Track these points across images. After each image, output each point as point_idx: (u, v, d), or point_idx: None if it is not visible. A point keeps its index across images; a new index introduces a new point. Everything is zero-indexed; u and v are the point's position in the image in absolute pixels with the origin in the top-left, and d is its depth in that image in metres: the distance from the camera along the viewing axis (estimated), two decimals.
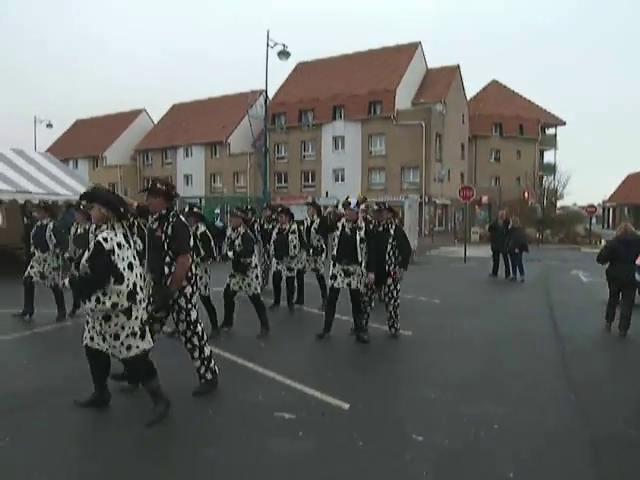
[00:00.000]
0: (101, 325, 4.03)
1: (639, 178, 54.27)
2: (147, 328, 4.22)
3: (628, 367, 6.23)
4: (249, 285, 7.12)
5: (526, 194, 40.92)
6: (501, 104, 50.47)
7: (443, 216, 43.49)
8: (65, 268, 7.90)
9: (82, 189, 12.40)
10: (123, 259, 3.97)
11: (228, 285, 7.23)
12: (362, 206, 7.15)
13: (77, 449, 3.87)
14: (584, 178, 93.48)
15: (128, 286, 3.96)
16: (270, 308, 8.98)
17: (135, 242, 4.57)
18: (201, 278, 6.92)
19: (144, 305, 4.22)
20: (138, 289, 4.08)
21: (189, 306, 4.70)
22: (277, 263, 9.10)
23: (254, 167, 43.14)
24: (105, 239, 3.93)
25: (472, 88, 51.62)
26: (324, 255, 9.41)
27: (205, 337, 4.86)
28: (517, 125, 49.87)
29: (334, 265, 7.01)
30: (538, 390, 5.20)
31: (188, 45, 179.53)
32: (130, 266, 4.02)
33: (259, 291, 7.21)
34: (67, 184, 14.40)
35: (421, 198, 35.24)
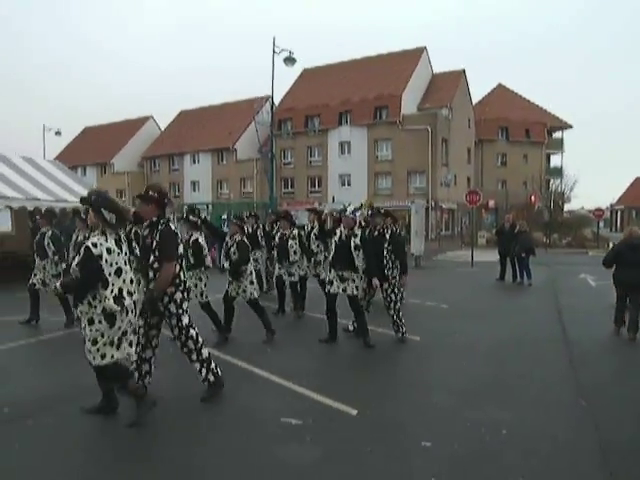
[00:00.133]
0: (85, 329, 4.09)
1: None
2: (126, 338, 4.22)
3: (637, 371, 6.20)
4: (244, 291, 7.19)
5: (533, 198, 40.82)
6: (507, 108, 50.44)
7: (450, 220, 43.40)
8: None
9: None
10: (111, 264, 4.02)
11: (227, 291, 7.30)
12: (358, 213, 7.14)
13: (83, 456, 3.88)
14: (591, 181, 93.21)
15: (112, 291, 4.01)
16: (274, 314, 9.04)
17: (134, 248, 4.66)
18: (196, 286, 7.00)
19: (132, 315, 4.23)
20: (125, 294, 4.10)
21: (180, 311, 4.77)
22: (279, 268, 9.23)
23: (261, 173, 43.25)
24: (94, 244, 3.99)
25: (478, 92, 51.87)
26: (324, 261, 9.44)
27: (200, 340, 4.89)
28: (523, 129, 49.78)
29: (330, 271, 7.06)
30: (546, 394, 5.18)
31: (194, 53, 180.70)
32: (118, 272, 4.07)
33: (255, 296, 7.27)
34: (75, 191, 14.50)
35: (427, 203, 35.21)
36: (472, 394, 5.14)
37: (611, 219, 59.76)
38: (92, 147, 56.67)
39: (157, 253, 4.62)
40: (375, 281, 6.83)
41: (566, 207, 45.39)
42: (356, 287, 6.89)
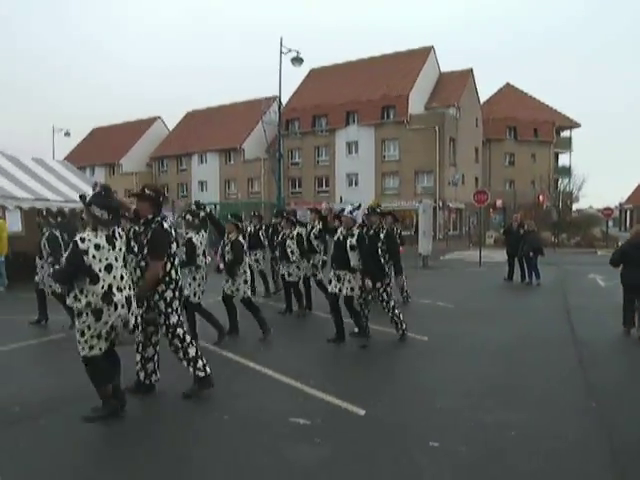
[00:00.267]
0: (77, 321, 4.19)
1: None
2: (115, 332, 4.25)
3: None
4: (237, 289, 7.26)
5: (541, 197, 40.63)
6: (515, 107, 50.18)
7: (457, 220, 43.29)
8: None
9: None
10: (100, 260, 4.08)
11: (223, 290, 7.36)
12: (358, 211, 7.15)
13: (91, 455, 3.92)
14: (600, 180, 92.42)
15: (103, 287, 4.08)
16: (281, 313, 9.08)
17: (133, 246, 4.72)
18: (189, 285, 6.94)
19: (123, 310, 4.23)
20: (115, 290, 4.15)
21: (169, 310, 4.82)
22: (282, 268, 9.41)
23: (268, 173, 43.32)
24: (82, 239, 4.08)
25: (486, 91, 51.64)
26: (322, 261, 9.47)
27: (187, 339, 4.93)
28: (531, 128, 49.52)
29: (330, 270, 7.15)
30: (555, 396, 5.16)
31: (202, 53, 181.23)
32: (108, 268, 4.13)
33: (249, 295, 7.35)
34: (84, 191, 14.58)
35: (435, 202, 35.16)
36: (480, 395, 5.13)
37: (620, 218, 59.34)
38: (101, 148, 56.98)
39: (146, 251, 4.69)
40: (367, 282, 6.84)
41: (574, 206, 45.16)
42: (351, 288, 6.91)
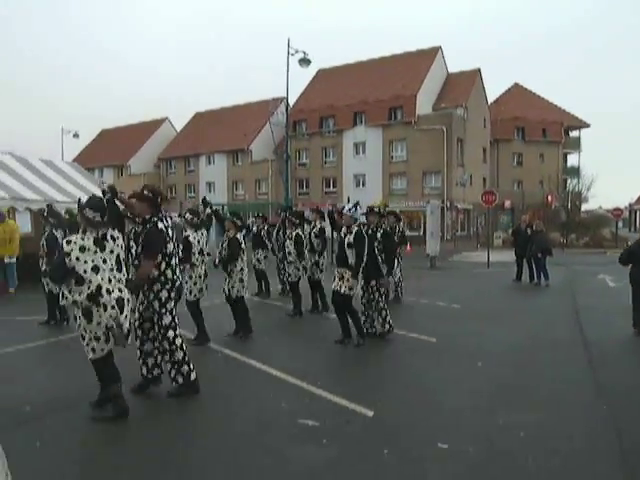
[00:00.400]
0: (76, 326, 4.31)
1: None
2: (112, 333, 4.27)
3: None
4: (232, 287, 7.32)
5: (549, 198, 40.42)
6: (523, 107, 49.96)
7: (465, 221, 43.13)
8: None
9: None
10: (85, 262, 4.14)
11: (223, 289, 7.41)
12: (358, 210, 7.18)
13: (99, 455, 3.93)
14: (609, 180, 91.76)
15: (89, 288, 4.13)
16: (289, 314, 9.09)
17: (131, 247, 4.80)
18: (186, 282, 6.95)
19: (113, 310, 4.22)
20: (103, 292, 4.17)
21: (162, 310, 4.86)
22: (286, 267, 9.62)
23: (275, 174, 43.38)
24: (68, 242, 4.18)
25: (494, 92, 51.33)
26: (321, 261, 9.45)
27: (178, 342, 4.95)
28: (540, 128, 49.28)
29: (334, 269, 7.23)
30: (564, 396, 5.13)
31: (209, 54, 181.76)
32: (95, 269, 4.16)
33: (242, 294, 7.40)
34: (93, 193, 14.66)
35: (443, 203, 35.07)
36: (489, 396, 5.11)
37: (630, 219, 58.89)
38: (109, 149, 57.30)
39: (140, 249, 4.75)
40: (353, 281, 6.90)
41: (583, 207, 44.82)
42: (349, 287, 6.93)
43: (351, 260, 6.86)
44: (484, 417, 4.55)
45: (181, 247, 6.77)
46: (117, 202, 4.77)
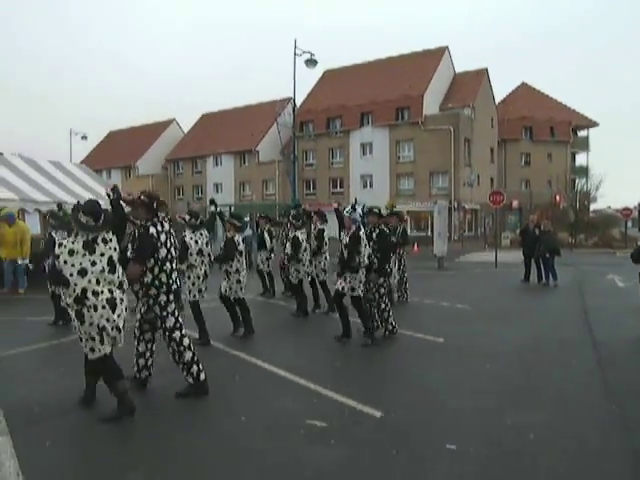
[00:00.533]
0: None
1: None
2: (106, 333, 4.28)
3: None
4: (230, 288, 7.40)
5: (558, 198, 40.21)
6: (531, 107, 49.74)
7: (473, 221, 43.01)
8: None
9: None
10: (73, 265, 4.19)
11: (220, 288, 7.48)
12: (358, 209, 7.20)
13: (105, 455, 3.95)
14: (618, 180, 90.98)
15: (75, 291, 4.18)
16: (293, 315, 9.11)
17: (127, 249, 4.87)
18: (184, 283, 6.93)
19: (104, 310, 4.22)
20: (89, 294, 4.18)
21: (164, 314, 4.93)
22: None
23: (283, 175, 43.46)
24: (59, 245, 4.28)
25: (501, 91, 51.14)
26: (321, 261, 9.46)
27: (185, 343, 4.99)
28: (548, 128, 49.06)
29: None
30: (574, 397, 5.10)
31: (216, 55, 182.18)
32: (82, 272, 4.19)
33: (239, 296, 7.45)
34: (101, 195, 14.75)
35: (450, 203, 34.98)
36: (498, 396, 5.09)
37: (639, 218, 58.49)
38: (117, 151, 57.59)
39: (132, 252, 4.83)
40: (341, 281, 6.98)
41: (592, 207, 44.56)
42: (351, 288, 6.97)
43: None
44: (492, 417, 4.54)
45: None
46: (122, 203, 4.81)
